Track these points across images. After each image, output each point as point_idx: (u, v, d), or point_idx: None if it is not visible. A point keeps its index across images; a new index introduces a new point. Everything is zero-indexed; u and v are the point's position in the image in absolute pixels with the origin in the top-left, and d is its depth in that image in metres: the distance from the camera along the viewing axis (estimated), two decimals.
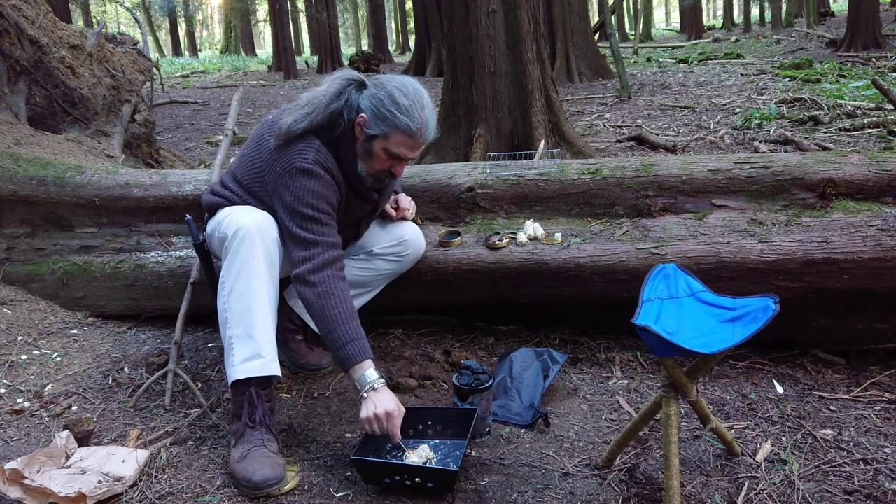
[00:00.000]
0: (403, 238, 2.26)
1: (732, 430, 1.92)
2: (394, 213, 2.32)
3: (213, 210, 2.10)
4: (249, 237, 1.84)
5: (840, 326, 2.28)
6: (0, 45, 3.63)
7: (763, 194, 2.37)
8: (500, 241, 2.35)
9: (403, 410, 1.79)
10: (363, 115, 1.89)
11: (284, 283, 2.30)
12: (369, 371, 1.78)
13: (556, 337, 2.52)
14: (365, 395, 1.76)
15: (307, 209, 1.86)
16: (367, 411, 1.74)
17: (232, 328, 1.83)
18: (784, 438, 1.88)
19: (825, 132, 6.16)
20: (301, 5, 26.08)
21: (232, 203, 2.03)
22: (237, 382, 1.82)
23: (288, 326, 2.30)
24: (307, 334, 2.34)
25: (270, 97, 12.19)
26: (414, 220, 2.38)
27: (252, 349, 1.81)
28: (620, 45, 12.68)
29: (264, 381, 1.84)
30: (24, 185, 2.88)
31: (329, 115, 1.90)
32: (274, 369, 1.84)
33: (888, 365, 2.23)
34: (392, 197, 2.33)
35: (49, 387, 2.28)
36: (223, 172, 2.35)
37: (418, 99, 1.88)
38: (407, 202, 2.36)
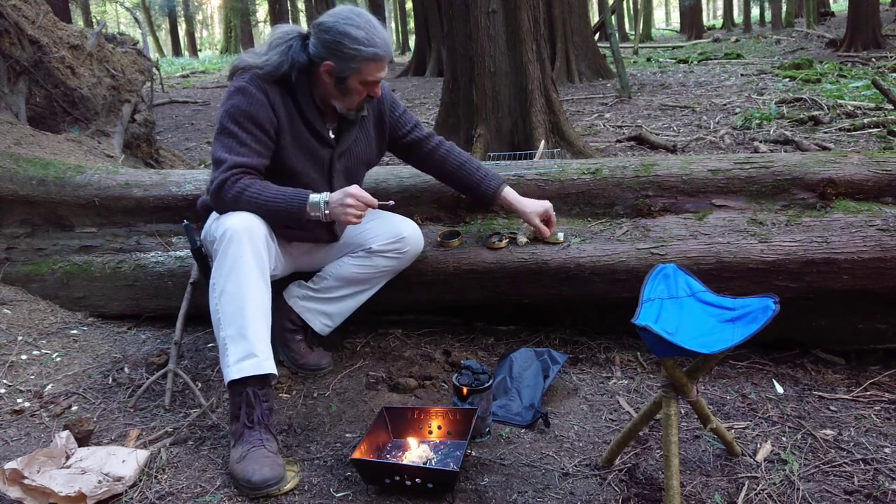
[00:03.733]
0: (402, 235, 2.25)
1: (732, 430, 1.92)
2: (545, 230, 2.29)
3: (206, 212, 2.15)
4: (237, 237, 1.84)
5: (840, 326, 2.28)
6: (0, 45, 3.63)
7: (763, 194, 2.37)
8: (500, 241, 2.35)
9: (357, 188, 1.95)
10: (328, 62, 1.95)
11: (283, 282, 2.31)
12: (313, 195, 1.94)
13: (556, 337, 2.52)
14: (327, 211, 1.93)
15: (231, 124, 1.93)
16: (339, 213, 1.92)
17: (225, 329, 1.83)
18: (784, 438, 1.88)
19: (825, 132, 6.17)
20: (301, 5, 26.07)
21: None
22: (234, 383, 1.82)
23: (288, 326, 2.30)
24: (307, 334, 2.34)
25: None
26: (413, 220, 2.38)
27: (246, 349, 1.81)
28: (620, 45, 12.68)
29: (261, 381, 1.84)
30: (24, 185, 2.88)
31: (276, 77, 1.98)
32: (269, 367, 1.83)
33: (888, 365, 2.23)
34: (540, 213, 2.28)
35: (49, 387, 2.28)
36: None
37: (368, 23, 1.95)
38: (552, 215, 2.30)
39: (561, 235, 2.36)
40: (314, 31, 1.97)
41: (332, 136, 2.12)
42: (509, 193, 2.31)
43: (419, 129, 2.33)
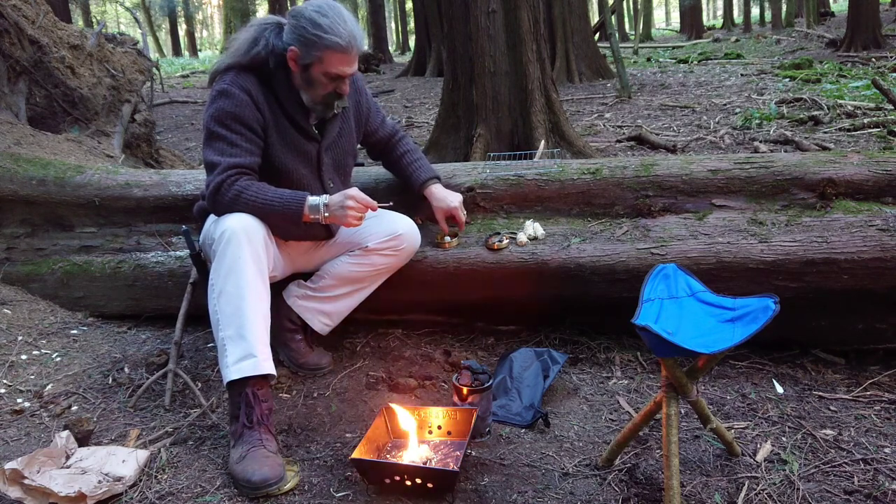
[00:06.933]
0: (398, 232, 2.25)
1: (732, 430, 1.92)
2: (444, 227, 2.39)
3: (203, 217, 2.16)
4: (236, 238, 1.85)
5: (840, 326, 2.28)
6: (0, 45, 3.63)
7: (763, 194, 2.37)
8: (500, 241, 2.35)
9: (356, 190, 1.99)
10: (292, 48, 1.96)
11: (282, 283, 2.31)
12: (311, 198, 1.97)
13: (556, 337, 2.52)
14: (326, 214, 1.96)
15: (219, 128, 1.95)
16: (340, 216, 1.95)
17: (223, 330, 1.83)
18: (784, 438, 1.88)
19: (825, 132, 6.16)
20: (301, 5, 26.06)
21: None
22: (233, 383, 1.82)
23: (287, 326, 2.30)
24: (307, 334, 2.34)
25: None
26: (414, 220, 2.38)
27: (244, 349, 1.81)
28: (620, 45, 12.68)
29: (260, 381, 1.84)
30: (24, 185, 2.88)
31: (251, 59, 1.98)
32: (267, 368, 1.84)
33: (888, 365, 2.23)
34: (444, 210, 2.37)
35: (49, 387, 2.28)
36: None
37: (338, 14, 1.94)
38: (461, 215, 2.39)
39: (449, 240, 2.40)
40: (287, 17, 2.00)
41: (316, 130, 2.13)
42: (433, 188, 2.38)
43: (385, 124, 2.43)
